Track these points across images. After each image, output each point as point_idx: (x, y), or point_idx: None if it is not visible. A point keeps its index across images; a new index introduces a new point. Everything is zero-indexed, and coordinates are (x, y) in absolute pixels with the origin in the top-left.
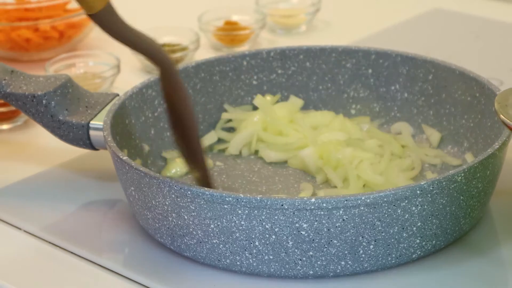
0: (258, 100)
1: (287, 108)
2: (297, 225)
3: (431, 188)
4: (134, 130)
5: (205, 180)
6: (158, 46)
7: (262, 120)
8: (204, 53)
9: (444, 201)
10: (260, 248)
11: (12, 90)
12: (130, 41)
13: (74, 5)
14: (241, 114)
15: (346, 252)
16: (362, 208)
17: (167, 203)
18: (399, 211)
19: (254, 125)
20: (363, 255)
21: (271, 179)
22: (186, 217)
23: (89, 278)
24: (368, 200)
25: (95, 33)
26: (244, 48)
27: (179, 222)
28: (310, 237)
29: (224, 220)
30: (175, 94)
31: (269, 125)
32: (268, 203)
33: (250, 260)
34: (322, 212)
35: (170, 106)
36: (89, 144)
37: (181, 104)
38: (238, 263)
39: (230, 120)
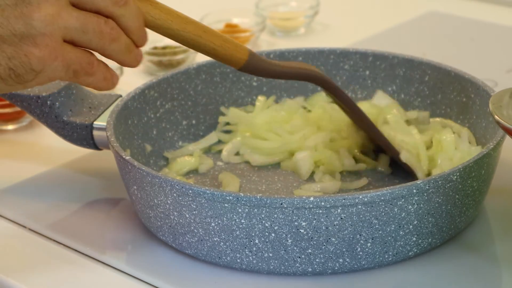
0: (232, 112)
1: (270, 115)
2: (296, 223)
3: (427, 187)
4: (136, 131)
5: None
6: (309, 70)
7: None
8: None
9: (440, 200)
10: (260, 246)
11: (18, 92)
12: (282, 75)
13: None
14: (236, 117)
15: (344, 249)
16: (359, 206)
17: (168, 201)
18: (396, 209)
19: (244, 132)
20: (361, 253)
21: (270, 178)
22: (187, 216)
23: (93, 275)
24: (366, 199)
25: None
26: None
27: (181, 221)
28: (309, 235)
29: (224, 219)
30: (340, 99)
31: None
32: (268, 202)
33: (250, 257)
34: (320, 211)
35: (344, 110)
36: (92, 144)
37: (349, 104)
38: (238, 260)
39: (229, 123)
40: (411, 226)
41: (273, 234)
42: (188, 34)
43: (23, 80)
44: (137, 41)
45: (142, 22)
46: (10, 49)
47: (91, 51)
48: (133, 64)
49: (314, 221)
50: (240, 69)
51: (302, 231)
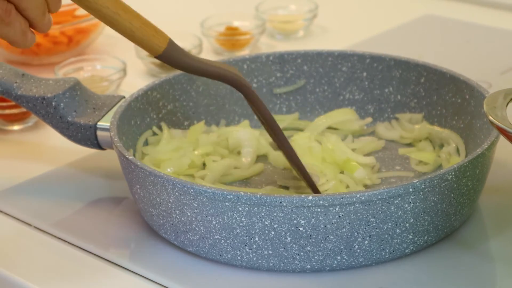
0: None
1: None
2: (295, 221)
3: (423, 186)
4: (139, 131)
5: (302, 169)
6: (229, 72)
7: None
8: (206, 57)
9: (435, 199)
10: (260, 243)
11: (23, 93)
12: (200, 72)
13: (82, 11)
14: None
15: (342, 247)
16: (357, 205)
17: (171, 200)
18: (392, 208)
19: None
20: (358, 250)
21: (270, 177)
22: (189, 214)
23: (97, 272)
24: (363, 198)
25: (102, 38)
26: (244, 52)
27: (183, 219)
28: (308, 233)
29: (225, 217)
30: (256, 107)
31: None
32: (268, 200)
33: (250, 255)
34: (319, 209)
35: (258, 116)
36: (96, 144)
37: (264, 114)
38: (238, 257)
39: None
40: (407, 224)
41: (272, 232)
42: (106, 10)
43: None
44: (37, 28)
45: (43, 11)
46: None
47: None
48: (26, 46)
49: (313, 220)
50: (158, 57)
51: (301, 229)
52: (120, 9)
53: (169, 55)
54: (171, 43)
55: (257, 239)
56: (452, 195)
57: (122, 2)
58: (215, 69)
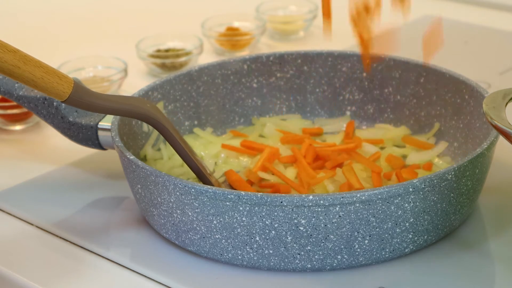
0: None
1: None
2: (295, 221)
3: (423, 186)
4: (140, 131)
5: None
6: (137, 107)
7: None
8: (207, 58)
9: (435, 198)
10: (261, 243)
11: (25, 93)
12: (109, 111)
13: None
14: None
15: (342, 246)
16: (357, 205)
17: (172, 200)
18: (392, 207)
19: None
20: (359, 250)
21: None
22: (190, 214)
23: (98, 271)
24: (363, 197)
25: (104, 39)
26: (245, 52)
27: (184, 218)
28: (308, 232)
29: (226, 217)
30: (167, 138)
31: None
32: (268, 200)
33: (251, 254)
34: (319, 209)
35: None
36: (97, 144)
37: (175, 146)
38: (239, 257)
39: None
40: (407, 224)
41: (273, 232)
42: (4, 64)
43: None
44: None
45: None
46: None
47: None
48: None
49: (313, 219)
50: (64, 102)
51: (301, 228)
52: (20, 61)
53: (75, 99)
54: (76, 87)
55: (257, 238)
56: (452, 194)
57: (22, 53)
58: (123, 106)
